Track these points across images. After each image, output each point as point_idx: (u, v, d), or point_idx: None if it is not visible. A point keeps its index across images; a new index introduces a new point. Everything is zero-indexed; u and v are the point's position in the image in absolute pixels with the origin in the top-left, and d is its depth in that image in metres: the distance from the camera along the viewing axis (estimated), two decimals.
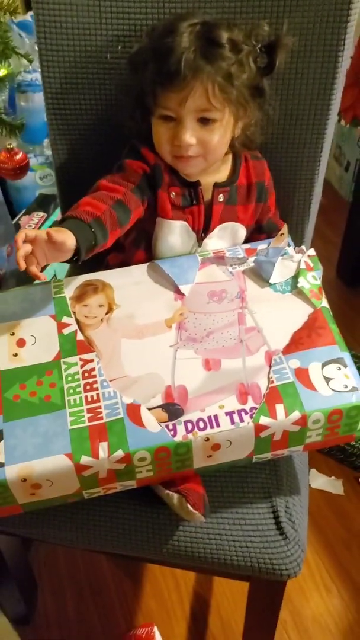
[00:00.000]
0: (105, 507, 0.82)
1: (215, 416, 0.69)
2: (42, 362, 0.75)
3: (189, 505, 0.73)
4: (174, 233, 0.86)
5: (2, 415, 0.71)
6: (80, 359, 0.75)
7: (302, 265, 0.82)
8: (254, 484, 0.83)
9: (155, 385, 0.72)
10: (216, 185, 0.85)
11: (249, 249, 0.86)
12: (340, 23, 0.83)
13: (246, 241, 0.91)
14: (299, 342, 0.75)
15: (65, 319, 0.80)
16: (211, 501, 0.78)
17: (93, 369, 0.74)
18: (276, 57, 0.80)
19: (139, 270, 0.85)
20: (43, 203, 1.61)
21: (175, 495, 0.74)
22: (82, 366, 0.74)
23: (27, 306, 0.82)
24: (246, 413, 0.69)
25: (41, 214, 1.57)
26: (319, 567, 1.24)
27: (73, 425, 0.69)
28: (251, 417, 0.69)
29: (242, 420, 0.69)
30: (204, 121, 0.77)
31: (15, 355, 0.76)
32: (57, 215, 1.57)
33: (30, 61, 1.42)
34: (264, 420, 0.69)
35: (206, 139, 0.78)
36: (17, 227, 1.54)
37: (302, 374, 0.72)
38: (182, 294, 0.82)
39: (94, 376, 0.73)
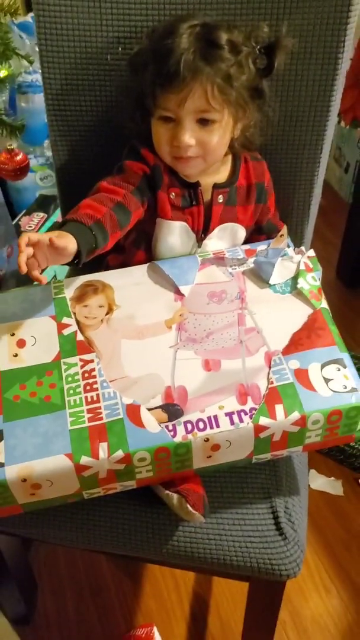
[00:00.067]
0: (105, 507, 0.82)
1: (215, 417, 0.69)
2: (42, 362, 0.76)
3: (188, 506, 0.73)
4: (174, 234, 0.86)
5: (2, 415, 0.71)
6: (80, 360, 0.75)
7: (302, 266, 0.82)
8: (253, 485, 0.83)
9: (155, 385, 0.72)
10: (216, 186, 0.86)
11: (248, 249, 0.87)
12: (340, 25, 0.83)
13: (246, 242, 0.91)
14: (298, 342, 0.75)
15: (65, 320, 0.80)
16: (211, 501, 0.78)
17: (93, 370, 0.74)
18: (276, 58, 0.80)
19: (139, 271, 0.86)
20: (43, 204, 1.61)
21: (175, 496, 0.74)
22: (82, 367, 0.75)
23: (27, 307, 0.82)
24: (246, 414, 0.69)
25: (41, 214, 1.58)
26: (318, 567, 1.24)
27: (73, 425, 0.70)
28: (251, 417, 0.69)
29: (241, 420, 0.69)
30: (203, 122, 0.78)
31: (16, 355, 0.77)
32: (57, 216, 1.57)
33: (31, 62, 1.42)
34: (263, 420, 0.69)
35: (205, 140, 0.79)
36: (17, 227, 1.54)
37: (301, 375, 0.72)
38: (182, 295, 0.82)
39: (94, 377, 0.73)
